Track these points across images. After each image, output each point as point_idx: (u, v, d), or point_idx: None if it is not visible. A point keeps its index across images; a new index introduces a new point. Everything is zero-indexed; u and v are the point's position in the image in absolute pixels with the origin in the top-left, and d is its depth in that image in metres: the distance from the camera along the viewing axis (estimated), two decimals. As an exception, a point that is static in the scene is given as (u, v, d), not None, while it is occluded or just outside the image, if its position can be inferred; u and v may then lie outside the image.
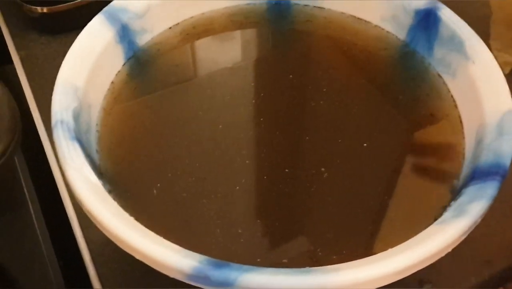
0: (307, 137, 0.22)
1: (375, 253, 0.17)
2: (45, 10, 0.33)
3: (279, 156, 0.22)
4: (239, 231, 0.20)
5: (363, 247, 0.19)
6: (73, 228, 0.25)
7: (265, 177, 0.21)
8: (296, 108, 0.24)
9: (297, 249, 0.19)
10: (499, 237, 0.25)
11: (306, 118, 0.24)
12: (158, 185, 0.21)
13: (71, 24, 0.32)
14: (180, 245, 0.17)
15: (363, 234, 0.20)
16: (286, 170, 0.21)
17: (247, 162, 0.22)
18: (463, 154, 0.21)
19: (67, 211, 0.26)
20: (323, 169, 0.21)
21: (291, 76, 0.25)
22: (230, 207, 0.20)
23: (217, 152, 0.22)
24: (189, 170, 0.22)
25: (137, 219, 0.19)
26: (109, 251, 0.24)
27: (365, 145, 0.22)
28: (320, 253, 0.19)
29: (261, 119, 0.24)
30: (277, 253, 0.19)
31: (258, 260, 0.19)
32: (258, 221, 0.20)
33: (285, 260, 0.19)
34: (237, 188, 0.21)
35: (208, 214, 0.20)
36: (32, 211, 0.26)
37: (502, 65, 0.32)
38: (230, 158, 0.22)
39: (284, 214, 0.20)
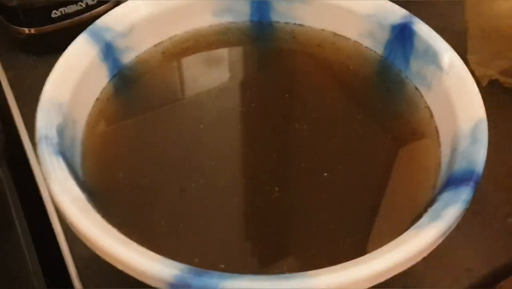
0: (274, 154, 0.23)
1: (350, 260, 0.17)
2: (32, 31, 0.33)
3: (244, 170, 0.23)
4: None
5: (337, 253, 0.20)
6: (59, 243, 0.25)
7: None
8: (274, 127, 0.25)
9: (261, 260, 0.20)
10: (479, 245, 0.25)
11: (283, 138, 0.24)
12: (141, 197, 0.21)
13: (58, 45, 0.32)
14: (162, 253, 0.17)
15: (338, 240, 0.20)
16: (243, 180, 0.22)
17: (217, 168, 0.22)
18: (440, 163, 0.22)
19: (53, 226, 0.26)
20: (276, 188, 0.22)
21: (274, 94, 0.26)
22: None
23: (200, 168, 0.23)
24: (172, 182, 0.22)
25: (120, 231, 0.20)
26: (95, 266, 0.25)
27: (336, 169, 0.22)
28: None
29: (241, 128, 0.24)
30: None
31: (196, 260, 0.19)
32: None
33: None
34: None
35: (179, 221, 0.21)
36: (19, 229, 0.26)
37: (480, 79, 0.33)
38: (211, 169, 0.23)
39: (237, 227, 0.21)
